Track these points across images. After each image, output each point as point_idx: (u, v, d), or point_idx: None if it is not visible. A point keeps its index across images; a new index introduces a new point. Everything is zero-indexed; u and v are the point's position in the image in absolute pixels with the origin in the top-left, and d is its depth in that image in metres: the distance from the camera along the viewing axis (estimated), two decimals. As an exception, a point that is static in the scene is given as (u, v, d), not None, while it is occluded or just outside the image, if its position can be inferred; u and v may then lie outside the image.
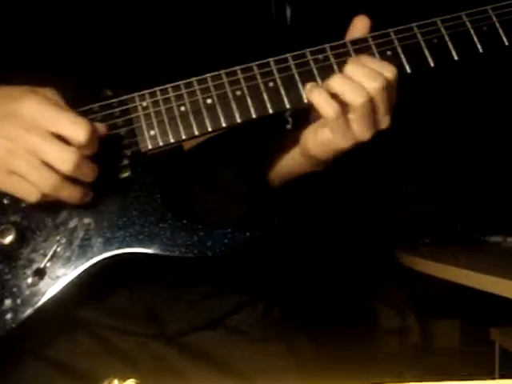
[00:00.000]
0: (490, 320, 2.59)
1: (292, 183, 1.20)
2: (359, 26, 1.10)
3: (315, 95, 1.05)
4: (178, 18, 1.15)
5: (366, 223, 2.71)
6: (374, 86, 1.04)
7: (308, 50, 1.09)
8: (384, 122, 1.08)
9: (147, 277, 1.14)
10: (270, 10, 1.23)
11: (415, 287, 2.78)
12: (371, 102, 1.05)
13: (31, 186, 0.99)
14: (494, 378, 0.78)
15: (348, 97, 1.04)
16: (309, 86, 1.06)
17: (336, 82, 1.05)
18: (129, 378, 0.86)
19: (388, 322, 2.98)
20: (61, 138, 0.99)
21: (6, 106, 1.00)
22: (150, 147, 1.08)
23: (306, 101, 1.08)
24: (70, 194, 1.02)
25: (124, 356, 1.14)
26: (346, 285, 2.70)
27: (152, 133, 1.07)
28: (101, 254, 1.06)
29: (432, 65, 1.09)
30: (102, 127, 1.04)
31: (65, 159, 0.98)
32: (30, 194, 1.00)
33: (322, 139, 1.09)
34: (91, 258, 1.06)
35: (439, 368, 2.81)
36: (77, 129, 0.99)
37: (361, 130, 1.06)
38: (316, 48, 1.09)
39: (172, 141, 1.08)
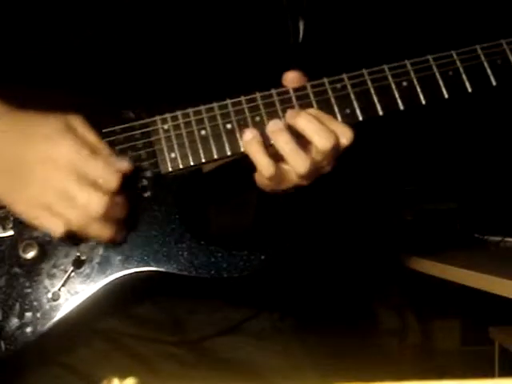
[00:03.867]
0: (489, 320, 2.59)
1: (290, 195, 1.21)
2: (290, 80, 1.11)
3: (250, 147, 1.07)
4: (196, 37, 1.16)
5: (366, 224, 2.71)
6: (325, 146, 1.05)
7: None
8: (326, 171, 1.10)
9: (168, 289, 1.16)
10: (287, 26, 1.23)
11: (415, 287, 2.78)
12: (315, 165, 1.06)
13: (60, 221, 1.02)
14: (493, 378, 0.78)
15: (291, 161, 1.06)
16: (248, 134, 1.08)
17: (282, 141, 1.06)
18: (128, 377, 0.86)
19: (388, 322, 2.98)
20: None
21: (43, 147, 1.03)
22: (170, 169, 1.10)
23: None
24: (99, 232, 1.05)
25: (145, 362, 1.15)
26: (346, 285, 2.70)
27: (172, 155, 1.10)
28: (119, 271, 1.08)
29: (446, 96, 1.11)
30: (129, 165, 1.06)
31: (96, 204, 1.02)
32: (57, 229, 1.03)
33: (263, 184, 1.11)
34: (110, 275, 1.08)
35: (439, 368, 2.81)
36: (109, 176, 1.03)
37: (299, 181, 1.08)
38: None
39: (192, 164, 1.10)
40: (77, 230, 1.04)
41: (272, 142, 1.07)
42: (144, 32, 1.15)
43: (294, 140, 1.06)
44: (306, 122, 1.07)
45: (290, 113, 1.08)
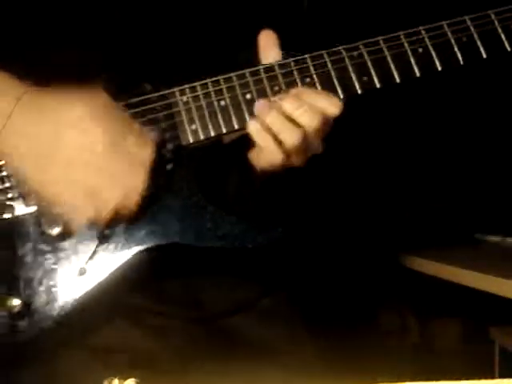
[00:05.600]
0: (489, 319, 2.59)
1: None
2: (266, 42, 1.12)
3: (250, 126, 1.09)
4: (209, 10, 1.17)
5: (365, 224, 2.71)
6: (311, 125, 1.07)
7: (342, 47, 1.12)
8: (316, 150, 1.11)
9: (187, 265, 1.16)
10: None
11: (415, 287, 2.77)
12: (306, 140, 1.08)
13: (103, 207, 1.04)
14: (493, 378, 0.78)
15: (282, 136, 1.07)
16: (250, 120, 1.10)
17: (274, 120, 1.08)
18: (129, 378, 0.87)
19: (388, 322, 2.98)
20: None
21: (76, 135, 1.03)
22: (191, 141, 1.10)
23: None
24: (135, 210, 1.06)
25: (160, 338, 1.16)
26: (345, 285, 2.70)
27: (193, 127, 1.10)
28: (143, 244, 1.09)
29: (462, 62, 1.12)
30: (159, 135, 1.08)
31: (141, 181, 1.04)
32: (97, 215, 1.04)
33: (259, 161, 1.12)
34: (133, 248, 1.09)
35: (439, 368, 2.81)
36: (146, 151, 1.04)
37: (294, 160, 1.10)
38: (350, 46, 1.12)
39: (212, 134, 1.10)
40: (116, 211, 1.04)
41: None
42: (157, 8, 1.15)
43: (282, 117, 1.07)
44: (289, 105, 1.08)
45: (272, 100, 1.10)
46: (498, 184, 2.74)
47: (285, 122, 1.07)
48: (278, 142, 1.08)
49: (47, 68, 1.09)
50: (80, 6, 1.13)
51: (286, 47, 1.12)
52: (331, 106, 1.08)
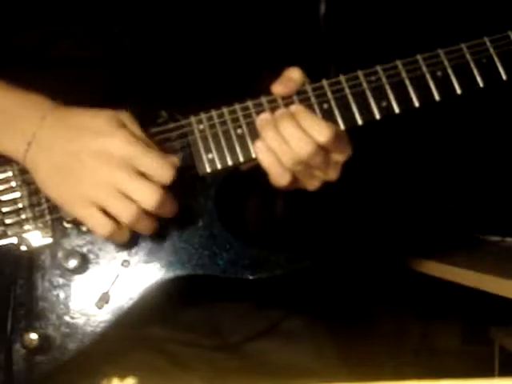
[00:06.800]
0: (489, 320, 2.59)
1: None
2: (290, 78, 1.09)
3: (255, 146, 1.07)
4: (225, 38, 1.16)
5: (365, 224, 2.71)
6: (304, 151, 1.04)
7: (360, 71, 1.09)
8: (330, 176, 1.09)
9: (208, 293, 1.16)
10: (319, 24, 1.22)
11: (415, 287, 2.77)
12: (303, 164, 1.05)
13: (109, 220, 1.03)
14: (493, 378, 0.78)
15: (283, 159, 1.05)
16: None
17: (272, 141, 1.06)
18: (127, 377, 0.86)
19: (388, 321, 2.98)
20: (146, 176, 1.02)
21: (96, 142, 1.02)
22: (208, 171, 1.08)
23: (342, 127, 1.08)
24: (146, 227, 1.05)
25: (186, 368, 1.15)
26: (345, 285, 2.70)
27: (210, 156, 1.07)
28: (162, 276, 1.08)
29: (481, 85, 1.08)
30: (178, 161, 1.05)
31: (150, 197, 1.01)
32: (105, 228, 1.03)
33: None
34: (153, 280, 1.07)
35: (439, 368, 2.81)
36: (164, 170, 1.02)
37: (303, 183, 1.08)
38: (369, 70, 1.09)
39: (230, 164, 1.08)
40: (128, 224, 1.03)
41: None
42: (170, 31, 1.14)
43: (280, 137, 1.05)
44: (284, 128, 1.06)
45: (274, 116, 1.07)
46: (498, 184, 2.74)
47: (282, 144, 1.05)
48: (279, 163, 1.06)
49: (74, 89, 1.09)
50: (104, 29, 1.13)
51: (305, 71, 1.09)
52: (320, 134, 1.05)
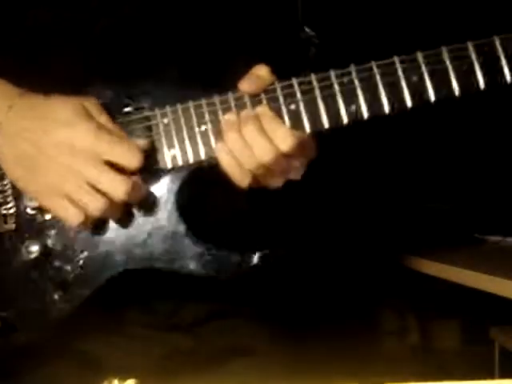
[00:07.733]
0: (489, 320, 2.59)
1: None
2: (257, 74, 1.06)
3: (216, 148, 1.05)
4: (207, 26, 1.15)
5: (365, 224, 2.71)
6: (267, 157, 1.03)
7: (332, 71, 1.04)
8: (293, 177, 1.07)
9: (169, 283, 1.15)
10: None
11: (415, 287, 2.77)
12: (265, 168, 1.04)
13: (79, 210, 1.03)
14: (493, 378, 0.78)
15: (243, 160, 1.04)
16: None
17: (234, 143, 1.04)
18: (129, 378, 0.87)
19: (388, 322, 2.98)
20: (113, 164, 1.02)
21: (61, 133, 1.03)
22: (169, 166, 1.07)
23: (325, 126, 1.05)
24: (115, 214, 1.06)
25: (144, 348, 1.16)
26: (345, 285, 2.70)
27: (172, 152, 1.06)
28: (119, 268, 1.08)
29: (457, 94, 1.03)
30: (148, 143, 1.05)
31: (119, 188, 1.02)
32: (75, 218, 1.03)
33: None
34: (113, 271, 1.08)
35: (439, 368, 2.81)
36: (131, 155, 1.03)
37: (265, 183, 1.07)
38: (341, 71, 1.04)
39: (191, 162, 1.07)
40: (97, 215, 1.03)
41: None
42: (148, 17, 1.13)
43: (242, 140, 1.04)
44: (247, 131, 1.04)
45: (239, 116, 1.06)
46: (498, 184, 2.74)
47: (244, 148, 1.03)
48: (240, 165, 1.04)
49: (42, 77, 1.09)
50: (79, 16, 1.13)
51: (279, 72, 1.06)
52: (283, 142, 1.03)
